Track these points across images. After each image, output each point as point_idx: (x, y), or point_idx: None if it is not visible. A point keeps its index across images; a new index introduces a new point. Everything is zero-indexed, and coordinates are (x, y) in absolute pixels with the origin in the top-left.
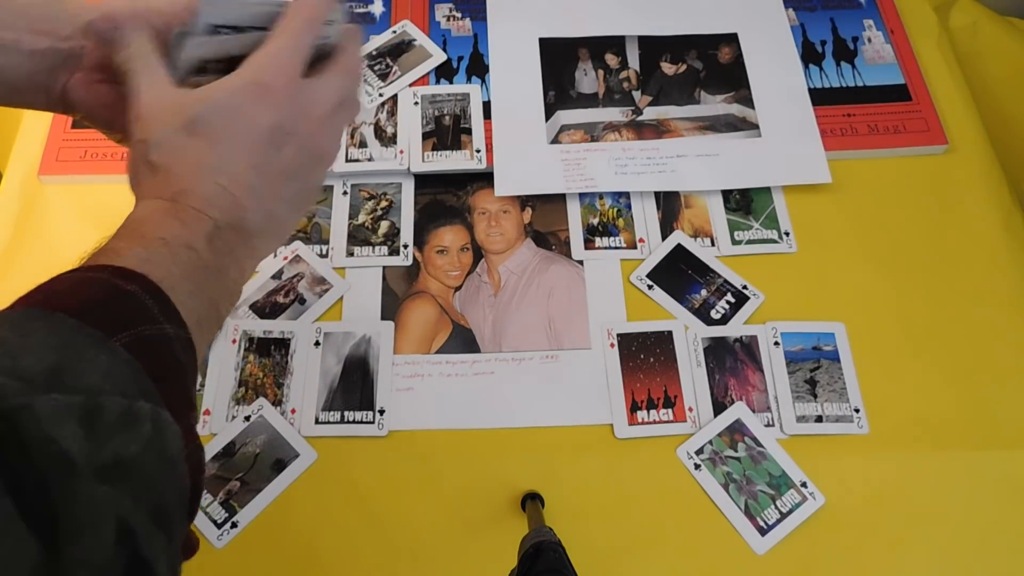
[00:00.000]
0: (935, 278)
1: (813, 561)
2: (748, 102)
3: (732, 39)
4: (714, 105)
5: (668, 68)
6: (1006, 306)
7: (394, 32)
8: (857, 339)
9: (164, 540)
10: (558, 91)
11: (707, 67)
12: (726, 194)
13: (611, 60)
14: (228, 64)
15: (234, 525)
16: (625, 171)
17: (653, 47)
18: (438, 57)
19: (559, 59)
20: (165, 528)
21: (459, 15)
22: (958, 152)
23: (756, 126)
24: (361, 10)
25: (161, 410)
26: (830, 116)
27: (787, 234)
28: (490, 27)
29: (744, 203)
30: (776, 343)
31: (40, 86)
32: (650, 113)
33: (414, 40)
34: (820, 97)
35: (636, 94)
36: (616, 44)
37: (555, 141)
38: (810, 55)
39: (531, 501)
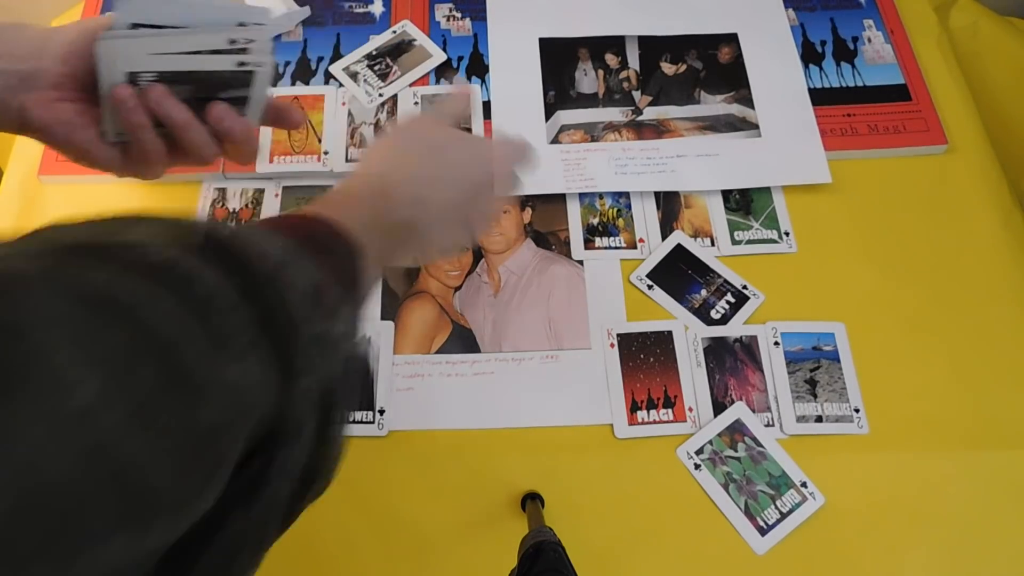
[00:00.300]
0: (935, 278)
1: (813, 561)
2: (748, 102)
3: (732, 39)
4: (714, 105)
5: (668, 68)
6: (1006, 306)
7: (394, 32)
8: (857, 339)
9: (345, 411)
10: (558, 91)
11: (707, 67)
12: (726, 194)
13: (611, 60)
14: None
15: None
16: (625, 171)
17: (653, 47)
18: (438, 57)
19: (559, 59)
20: (349, 403)
21: (459, 15)
22: (958, 152)
23: (756, 126)
24: (361, 10)
25: (359, 318)
26: (830, 116)
27: (787, 234)
28: (490, 27)
29: (744, 203)
30: (776, 343)
31: None
32: (650, 113)
33: (414, 40)
34: (820, 97)
35: (636, 94)
36: (616, 44)
37: (555, 141)
38: (810, 55)
39: (531, 501)
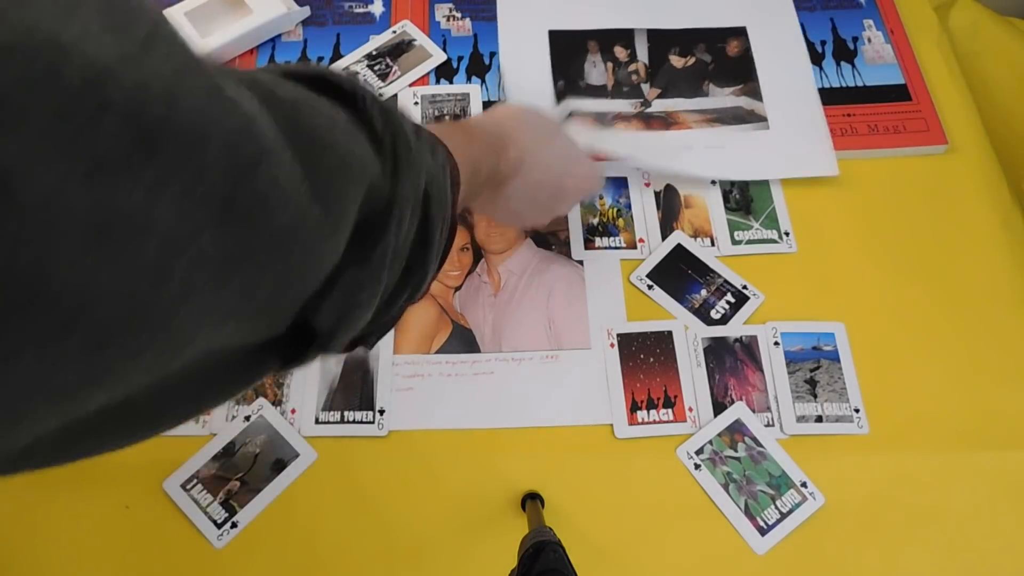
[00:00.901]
0: (935, 278)
1: (813, 561)
2: (756, 95)
3: (741, 32)
4: (722, 98)
5: (677, 61)
6: (1006, 306)
7: (394, 32)
8: (857, 339)
9: (441, 213)
10: (567, 82)
11: (715, 60)
12: (726, 193)
13: (620, 53)
14: None
15: (234, 525)
16: (635, 154)
17: (662, 40)
18: (438, 57)
19: (568, 52)
20: (442, 213)
21: (459, 15)
22: (958, 152)
23: (764, 119)
24: (361, 10)
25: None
26: (830, 116)
27: (787, 234)
28: (500, 20)
29: (744, 203)
30: (776, 343)
31: None
32: (659, 105)
33: (414, 40)
34: (820, 97)
35: (645, 87)
36: (625, 37)
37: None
38: (810, 55)
39: (531, 501)
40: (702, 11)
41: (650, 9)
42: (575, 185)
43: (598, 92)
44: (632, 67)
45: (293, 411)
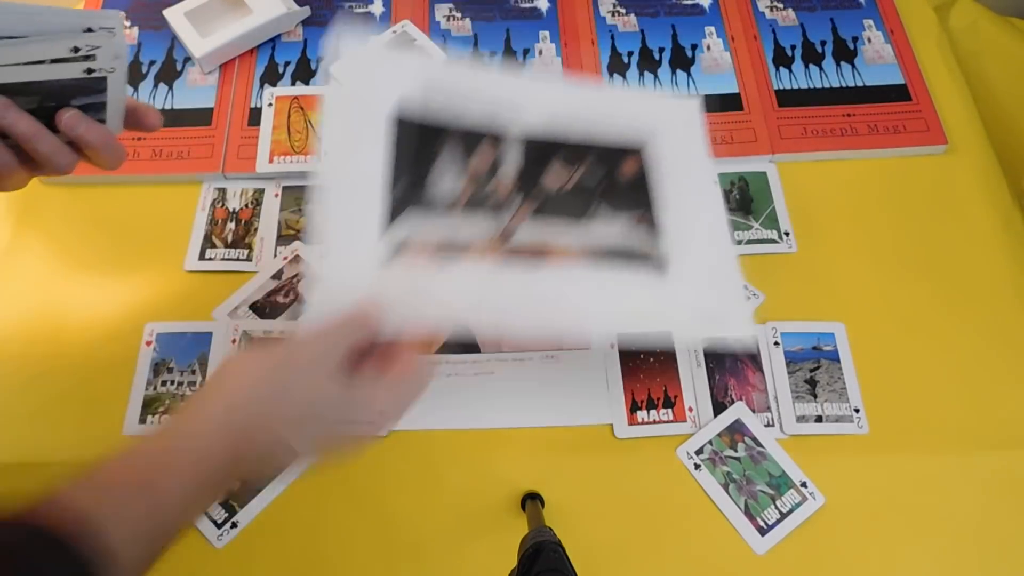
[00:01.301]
0: (935, 278)
1: (813, 561)
2: (654, 228)
3: (639, 147)
4: (610, 228)
5: (556, 177)
6: (1006, 306)
7: (394, 32)
8: (857, 339)
9: None
10: (408, 190)
11: (606, 180)
12: (726, 193)
13: (484, 156)
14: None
15: (234, 525)
16: (483, 304)
17: (541, 148)
18: (438, 57)
19: (416, 146)
20: None
21: (459, 15)
22: (958, 152)
23: (661, 259)
24: (361, 10)
25: None
26: (830, 116)
27: (787, 234)
28: (328, 92)
29: (744, 203)
30: (776, 343)
31: None
32: (527, 230)
33: (414, 40)
34: (820, 97)
35: (511, 205)
36: (495, 136)
37: (395, 256)
38: (810, 55)
39: (531, 501)
40: (597, 118)
41: (531, 105)
42: (355, 432)
43: (450, 209)
44: (496, 181)
45: None
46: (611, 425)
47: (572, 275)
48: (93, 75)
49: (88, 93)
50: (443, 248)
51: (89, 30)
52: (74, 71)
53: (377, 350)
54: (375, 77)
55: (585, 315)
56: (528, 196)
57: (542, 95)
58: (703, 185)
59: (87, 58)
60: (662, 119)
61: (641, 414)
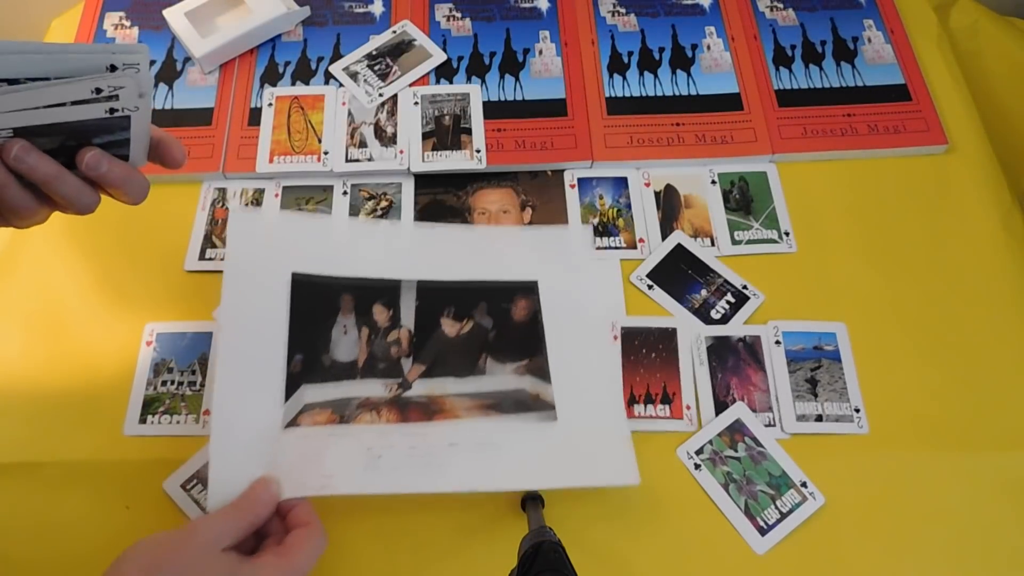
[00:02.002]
0: (935, 278)
1: (813, 561)
2: (543, 375)
3: (531, 289)
4: (502, 377)
5: (449, 327)
6: (1006, 306)
7: (394, 32)
8: (857, 339)
9: None
10: (308, 355)
11: (497, 326)
12: (726, 193)
13: (380, 315)
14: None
15: None
16: (378, 465)
17: (434, 298)
18: (438, 57)
19: (316, 309)
20: None
21: (459, 15)
22: (958, 152)
23: (552, 406)
24: (361, 10)
25: None
26: (830, 116)
27: (787, 234)
28: (229, 251)
29: (744, 203)
30: (777, 342)
31: None
32: (420, 387)
33: (414, 40)
34: (820, 97)
35: (406, 362)
36: (389, 293)
37: (293, 423)
38: (810, 55)
39: (531, 501)
40: (489, 262)
41: (424, 258)
42: None
43: (346, 370)
44: (393, 335)
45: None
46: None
47: (461, 426)
48: (116, 115)
49: (111, 131)
50: (337, 409)
51: (112, 67)
52: (96, 112)
53: (273, 528)
54: (271, 245)
55: (471, 469)
56: (422, 350)
57: (436, 244)
58: (593, 321)
59: (110, 98)
60: (550, 253)
61: (638, 408)
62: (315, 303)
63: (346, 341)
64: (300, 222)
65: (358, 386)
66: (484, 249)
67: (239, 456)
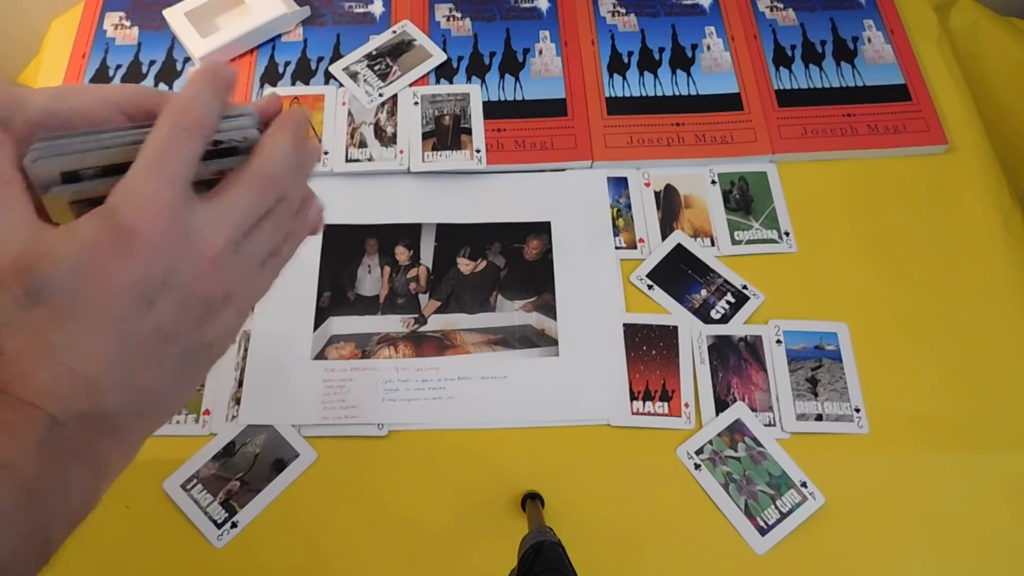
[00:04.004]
0: (935, 278)
1: (813, 561)
2: (550, 311)
3: (543, 229)
4: (510, 314)
5: (464, 266)
6: (1006, 306)
7: (394, 32)
8: (857, 339)
9: None
10: (335, 292)
11: (510, 265)
12: (726, 193)
13: (401, 255)
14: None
15: (234, 525)
16: (394, 397)
17: (452, 238)
18: (438, 57)
19: (343, 252)
20: None
21: (459, 15)
22: (958, 152)
23: (555, 342)
24: (361, 10)
25: None
26: (830, 116)
27: (787, 234)
28: None
29: (744, 203)
30: (778, 341)
31: None
32: (435, 322)
33: (414, 40)
34: (820, 97)
35: (423, 298)
36: (410, 235)
37: (320, 355)
38: (810, 55)
39: (531, 501)
40: (505, 204)
41: (444, 202)
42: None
43: (369, 304)
44: (412, 272)
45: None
46: (610, 422)
47: (470, 360)
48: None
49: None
50: (359, 344)
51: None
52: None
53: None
54: None
55: (478, 403)
56: (438, 286)
57: (455, 192)
58: (603, 261)
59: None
60: (566, 193)
61: (637, 404)
62: (343, 246)
63: (370, 279)
64: (330, 184)
65: (379, 321)
66: (501, 193)
67: (271, 380)
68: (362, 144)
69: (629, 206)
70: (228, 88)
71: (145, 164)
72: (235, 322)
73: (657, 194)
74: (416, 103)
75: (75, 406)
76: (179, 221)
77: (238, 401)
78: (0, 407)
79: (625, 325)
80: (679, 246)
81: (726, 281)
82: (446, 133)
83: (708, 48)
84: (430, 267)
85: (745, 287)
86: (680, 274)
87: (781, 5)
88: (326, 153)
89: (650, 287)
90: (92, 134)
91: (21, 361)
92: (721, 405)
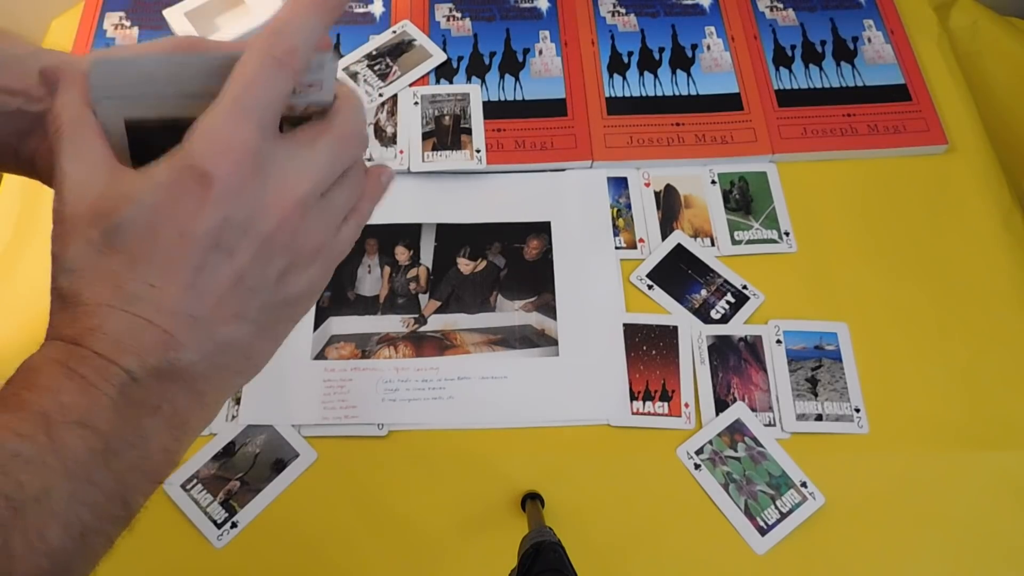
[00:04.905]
0: (935, 278)
1: (813, 561)
2: (550, 311)
3: (543, 229)
4: (510, 314)
5: (464, 266)
6: (1006, 306)
7: (394, 32)
8: (857, 339)
9: None
10: (335, 291)
11: (510, 265)
12: (726, 193)
13: (401, 255)
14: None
15: (234, 525)
16: (394, 396)
17: (452, 238)
18: (438, 57)
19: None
20: None
21: (459, 15)
22: (958, 152)
23: (555, 342)
24: (361, 10)
25: None
26: (830, 116)
27: (787, 234)
28: None
29: (744, 203)
30: (779, 340)
31: (8, 148)
32: (435, 322)
33: (414, 40)
34: (820, 97)
35: (423, 298)
36: (411, 234)
37: (320, 355)
38: (810, 55)
39: (531, 501)
40: (505, 204)
41: (445, 203)
42: (304, 284)
43: (368, 304)
44: (412, 272)
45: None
46: (609, 421)
47: (470, 360)
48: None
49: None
50: (359, 344)
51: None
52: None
53: None
54: None
55: (478, 402)
56: (438, 286)
57: (456, 191)
58: (603, 262)
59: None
60: (566, 192)
61: (637, 404)
62: None
63: (370, 279)
64: None
65: (379, 321)
66: (501, 193)
67: (271, 380)
68: None
69: (629, 206)
70: (335, 12)
71: (229, 98)
72: (319, 278)
73: (657, 194)
74: (416, 103)
75: (151, 361)
76: (262, 165)
77: (238, 401)
78: (75, 362)
79: (625, 325)
80: (679, 246)
81: (726, 281)
82: (446, 133)
83: (708, 48)
84: (430, 267)
85: (745, 287)
86: (680, 274)
87: (781, 5)
88: None
89: (650, 287)
90: (155, 63)
91: (97, 312)
92: (721, 405)
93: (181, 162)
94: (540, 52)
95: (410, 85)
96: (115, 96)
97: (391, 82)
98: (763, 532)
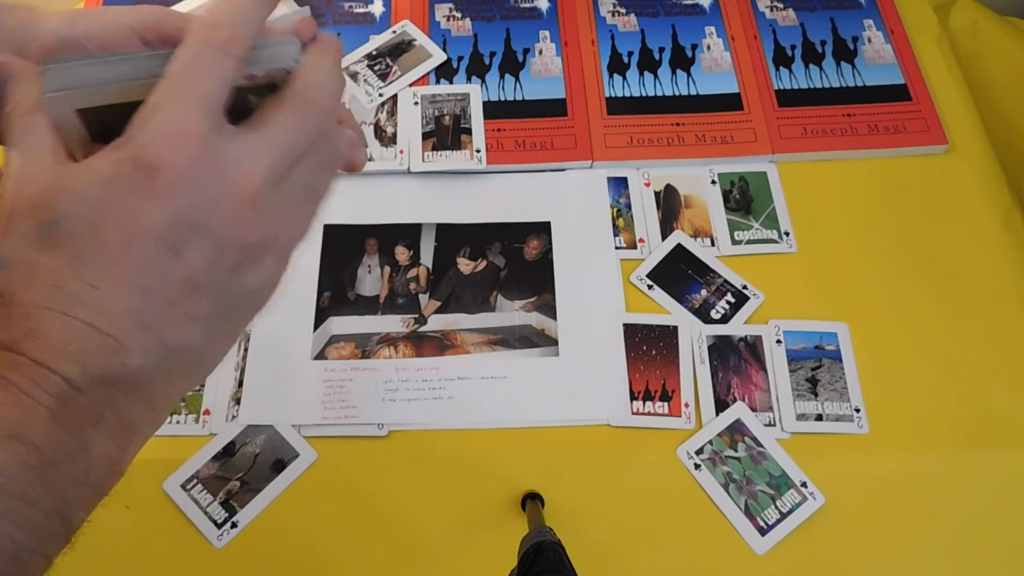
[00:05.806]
0: (935, 278)
1: (813, 561)
2: (550, 311)
3: (543, 229)
4: (510, 314)
5: (464, 266)
6: (1006, 306)
7: (394, 32)
8: (857, 339)
9: None
10: (335, 292)
11: (510, 265)
12: (726, 193)
13: (401, 255)
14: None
15: (234, 525)
16: (394, 396)
17: (452, 238)
18: (438, 57)
19: (343, 251)
20: None
21: (459, 15)
22: (958, 152)
23: (555, 342)
24: (361, 10)
25: None
26: (830, 116)
27: (787, 234)
28: None
29: (744, 203)
30: (779, 341)
31: None
32: (435, 322)
33: (414, 40)
34: (820, 97)
35: (423, 298)
36: (410, 235)
37: (320, 355)
38: (810, 55)
39: (531, 501)
40: (505, 204)
41: (444, 203)
42: (260, 282)
43: (368, 305)
44: (412, 272)
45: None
46: (609, 422)
47: (470, 360)
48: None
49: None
50: (359, 344)
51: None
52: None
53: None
54: None
55: (478, 402)
56: (438, 286)
57: (456, 191)
58: (603, 263)
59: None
60: (566, 193)
61: (637, 404)
62: (343, 246)
63: (370, 279)
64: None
65: (379, 321)
66: (501, 193)
67: (271, 380)
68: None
69: (629, 206)
70: (271, 3)
71: (170, 87)
72: (276, 270)
73: (657, 194)
74: (416, 103)
75: (94, 368)
76: (210, 155)
77: (238, 401)
78: (9, 370)
79: (625, 325)
80: (679, 246)
81: (726, 281)
82: (446, 133)
83: (708, 48)
84: (430, 267)
85: (745, 287)
86: (680, 274)
87: (781, 5)
88: None
89: (650, 287)
90: (102, 62)
91: (33, 314)
92: (721, 405)
93: (125, 154)
94: (540, 52)
95: (410, 85)
96: (67, 87)
97: (391, 82)
98: (763, 532)
